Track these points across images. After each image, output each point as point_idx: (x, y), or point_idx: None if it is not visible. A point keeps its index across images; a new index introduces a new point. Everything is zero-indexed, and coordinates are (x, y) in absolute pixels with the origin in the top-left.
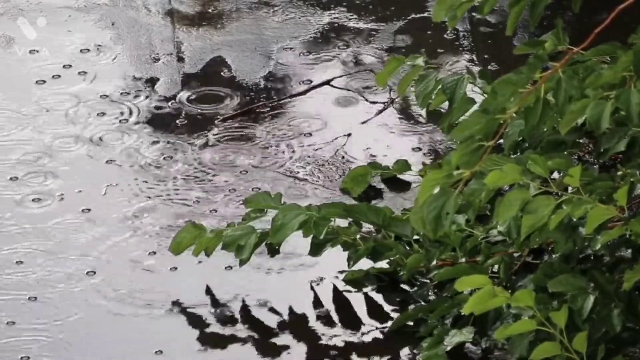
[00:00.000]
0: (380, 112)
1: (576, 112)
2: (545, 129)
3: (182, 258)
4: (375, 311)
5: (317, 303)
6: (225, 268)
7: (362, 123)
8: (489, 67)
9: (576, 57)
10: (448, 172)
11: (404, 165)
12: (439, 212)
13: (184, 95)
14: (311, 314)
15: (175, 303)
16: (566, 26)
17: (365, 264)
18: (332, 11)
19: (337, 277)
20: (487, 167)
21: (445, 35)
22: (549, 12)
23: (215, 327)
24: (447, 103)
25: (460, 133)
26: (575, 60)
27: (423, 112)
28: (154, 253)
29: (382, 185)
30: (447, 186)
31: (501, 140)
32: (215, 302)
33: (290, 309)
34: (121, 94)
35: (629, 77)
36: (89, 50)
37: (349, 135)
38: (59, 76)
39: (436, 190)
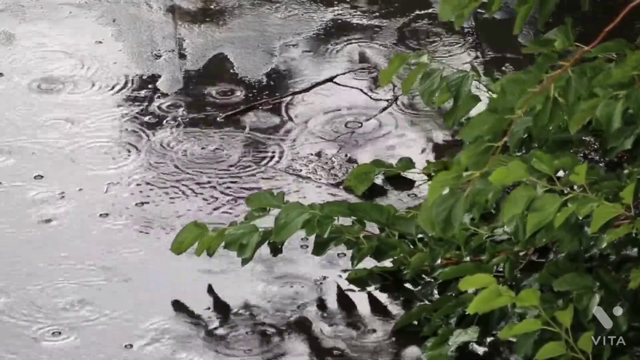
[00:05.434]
0: (384, 109)
1: (586, 111)
2: (551, 128)
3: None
4: (378, 310)
5: (320, 302)
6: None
7: (366, 120)
8: (494, 65)
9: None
10: (457, 173)
11: (408, 163)
12: (449, 214)
13: (185, 92)
14: (314, 313)
15: (176, 301)
16: (574, 23)
17: (368, 262)
18: (336, 8)
19: (340, 276)
20: (493, 167)
21: (449, 32)
22: (555, 10)
23: (216, 326)
24: (451, 100)
25: (469, 133)
26: (583, 59)
27: (427, 109)
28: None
29: (385, 184)
30: (457, 187)
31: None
32: (216, 301)
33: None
34: (122, 91)
35: (638, 76)
36: (90, 47)
37: (352, 132)
38: (59, 75)
39: (445, 191)
